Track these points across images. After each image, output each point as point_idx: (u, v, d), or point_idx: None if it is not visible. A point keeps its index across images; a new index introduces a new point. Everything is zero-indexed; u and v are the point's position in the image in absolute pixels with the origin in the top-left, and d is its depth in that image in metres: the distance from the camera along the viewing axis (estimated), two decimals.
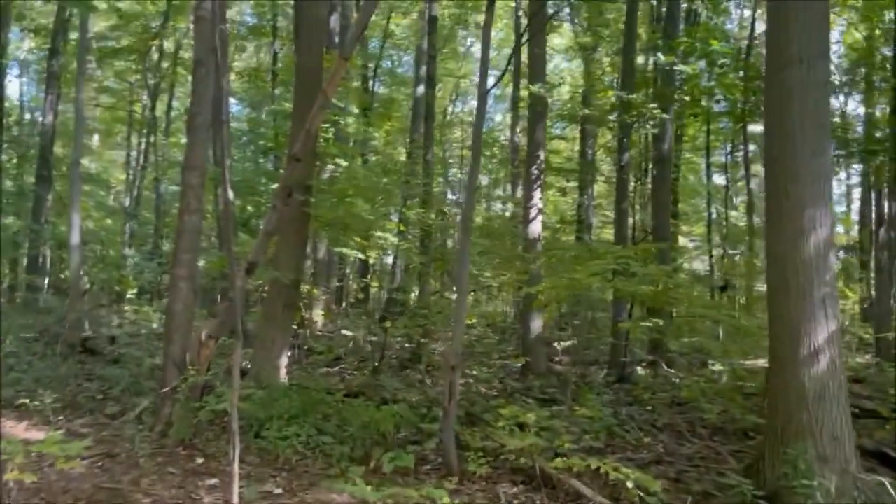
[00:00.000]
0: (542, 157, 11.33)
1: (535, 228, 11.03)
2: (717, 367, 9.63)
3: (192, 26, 20.85)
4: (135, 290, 19.54)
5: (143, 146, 25.02)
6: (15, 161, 21.67)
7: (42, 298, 17.26)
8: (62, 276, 20.69)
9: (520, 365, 10.82)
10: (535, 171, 11.11)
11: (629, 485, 4.88)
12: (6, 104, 21.03)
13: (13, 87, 29.18)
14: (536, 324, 10.88)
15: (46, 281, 19.99)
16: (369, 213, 9.79)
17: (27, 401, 6.31)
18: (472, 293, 15.94)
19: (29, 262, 18.48)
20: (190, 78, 24.86)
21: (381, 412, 6.73)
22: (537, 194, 11.11)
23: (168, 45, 21.75)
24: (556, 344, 13.10)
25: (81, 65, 13.08)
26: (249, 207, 14.33)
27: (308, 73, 8.25)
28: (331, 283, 15.65)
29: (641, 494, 4.87)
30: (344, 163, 9.85)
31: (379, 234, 9.69)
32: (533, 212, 10.97)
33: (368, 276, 19.73)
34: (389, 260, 20.44)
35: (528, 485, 5.46)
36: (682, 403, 8.84)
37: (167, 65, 22.09)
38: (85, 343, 11.84)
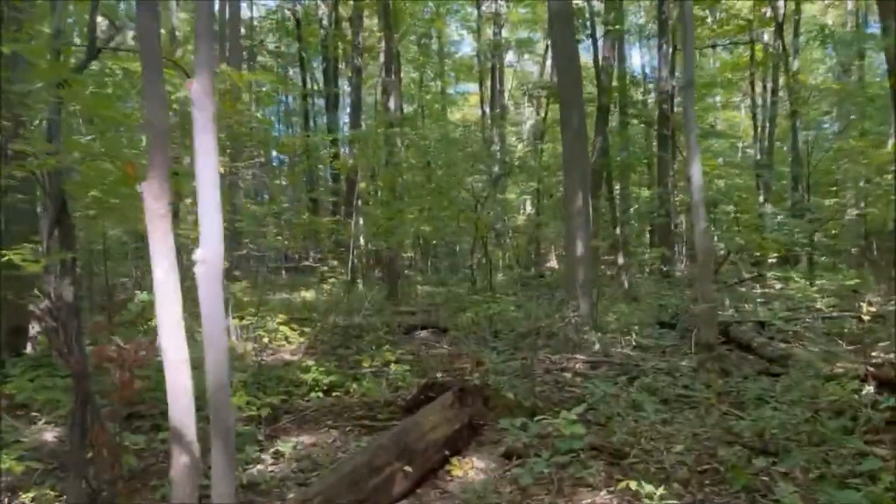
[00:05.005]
0: None
1: None
2: None
3: None
4: (778, 256, 16.06)
5: (769, 87, 21.30)
6: (640, 128, 21.02)
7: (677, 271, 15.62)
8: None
9: None
10: None
11: None
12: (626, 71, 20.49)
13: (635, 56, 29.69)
14: None
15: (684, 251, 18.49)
16: None
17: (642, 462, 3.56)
18: None
19: (656, 231, 17.16)
20: None
21: None
22: None
23: None
24: None
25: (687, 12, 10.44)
26: None
27: None
28: None
29: None
30: None
31: None
32: None
33: None
34: None
35: None
36: None
37: None
38: (728, 331, 9.09)
